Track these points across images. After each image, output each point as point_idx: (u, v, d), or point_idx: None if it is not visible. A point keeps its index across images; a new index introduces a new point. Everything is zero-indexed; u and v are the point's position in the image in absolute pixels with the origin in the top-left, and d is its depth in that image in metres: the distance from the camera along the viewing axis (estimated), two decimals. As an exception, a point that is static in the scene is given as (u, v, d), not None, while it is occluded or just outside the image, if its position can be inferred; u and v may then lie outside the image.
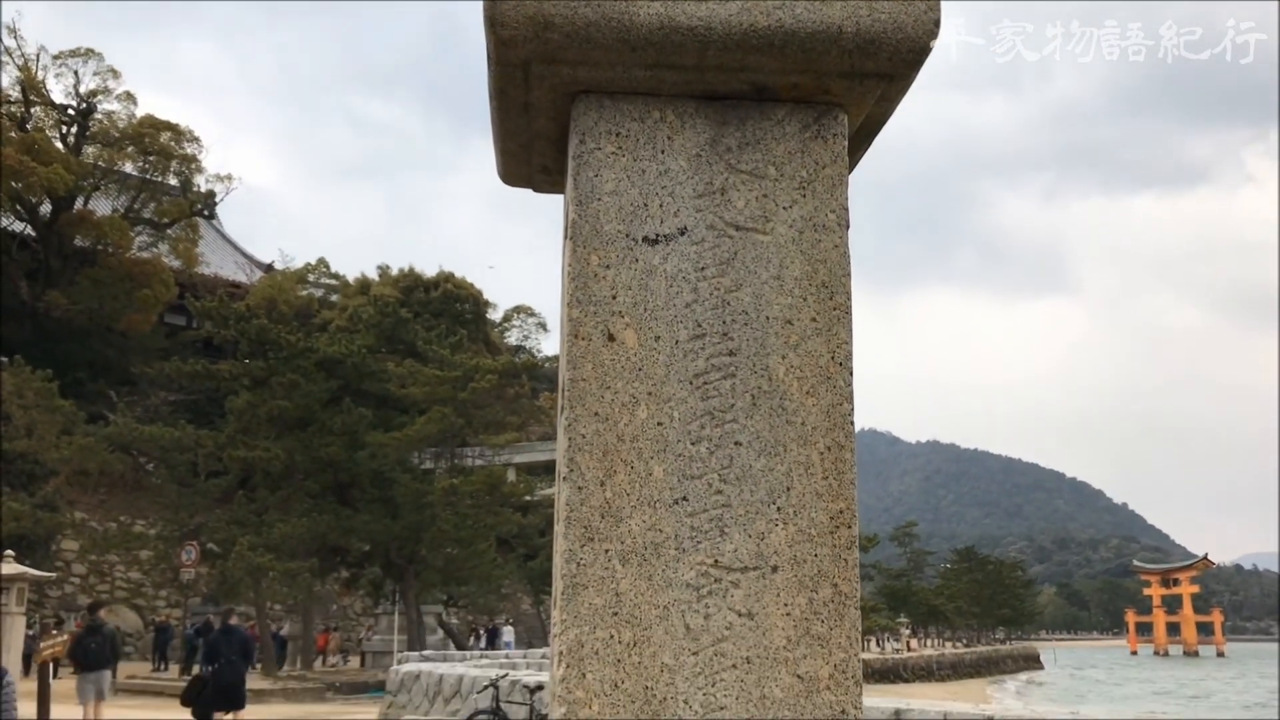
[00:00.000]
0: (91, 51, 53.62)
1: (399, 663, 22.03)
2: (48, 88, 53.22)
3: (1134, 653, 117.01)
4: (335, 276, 68.33)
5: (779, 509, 2.11)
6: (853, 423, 2.17)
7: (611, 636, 2.03)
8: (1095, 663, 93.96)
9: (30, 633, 26.63)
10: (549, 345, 73.31)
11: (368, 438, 35.65)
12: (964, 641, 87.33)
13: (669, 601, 2.06)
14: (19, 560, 20.49)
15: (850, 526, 2.13)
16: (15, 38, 51.74)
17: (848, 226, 2.25)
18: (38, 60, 52.46)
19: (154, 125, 54.30)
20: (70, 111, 54.29)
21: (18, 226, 50.34)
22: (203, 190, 59.28)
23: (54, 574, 35.71)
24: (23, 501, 36.02)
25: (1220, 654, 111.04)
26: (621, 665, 2.02)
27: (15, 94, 51.59)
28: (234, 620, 18.37)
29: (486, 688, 14.75)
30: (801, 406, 2.15)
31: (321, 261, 68.64)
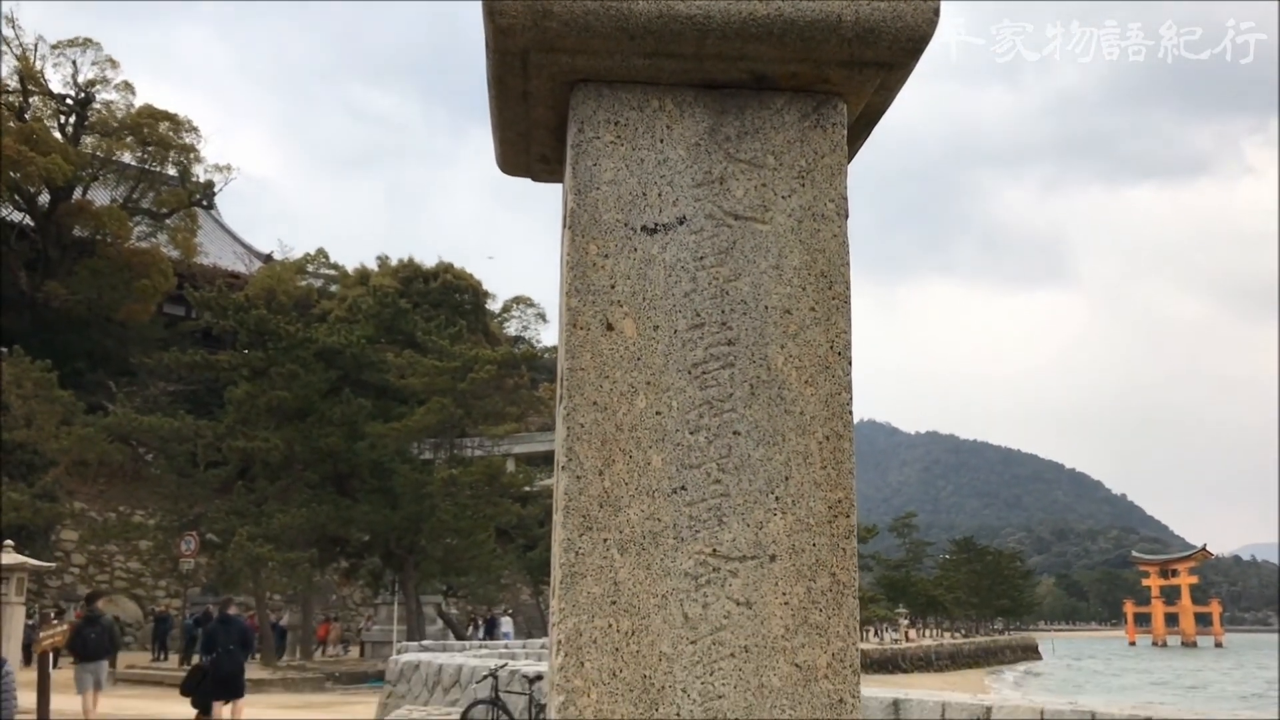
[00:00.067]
0: (89, 41, 53.59)
1: (398, 653, 22.05)
2: (46, 77, 53.17)
3: (1132, 643, 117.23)
4: (334, 267, 68.26)
5: (777, 498, 2.11)
6: (851, 412, 2.17)
7: (610, 625, 2.03)
8: (1093, 653, 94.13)
9: (30, 622, 26.69)
10: (548, 336, 73.36)
11: (367, 428, 35.67)
12: (962, 632, 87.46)
13: (667, 590, 2.06)
14: (18, 550, 20.56)
15: (848, 516, 2.13)
16: (13, 27, 51.72)
17: (846, 216, 2.25)
18: (36, 50, 52.43)
19: (152, 115, 54.25)
20: (68, 101, 54.25)
21: (16, 216, 50.35)
22: (201, 180, 59.30)
23: (53, 564, 35.81)
24: (22, 491, 36.05)
25: (1218, 645, 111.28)
26: (620, 654, 2.03)
27: (13, 84, 51.51)
28: (232, 610, 18.38)
29: (486, 678, 14.76)
30: (800, 396, 2.15)
31: (320, 252, 68.57)
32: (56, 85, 53.80)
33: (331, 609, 47.67)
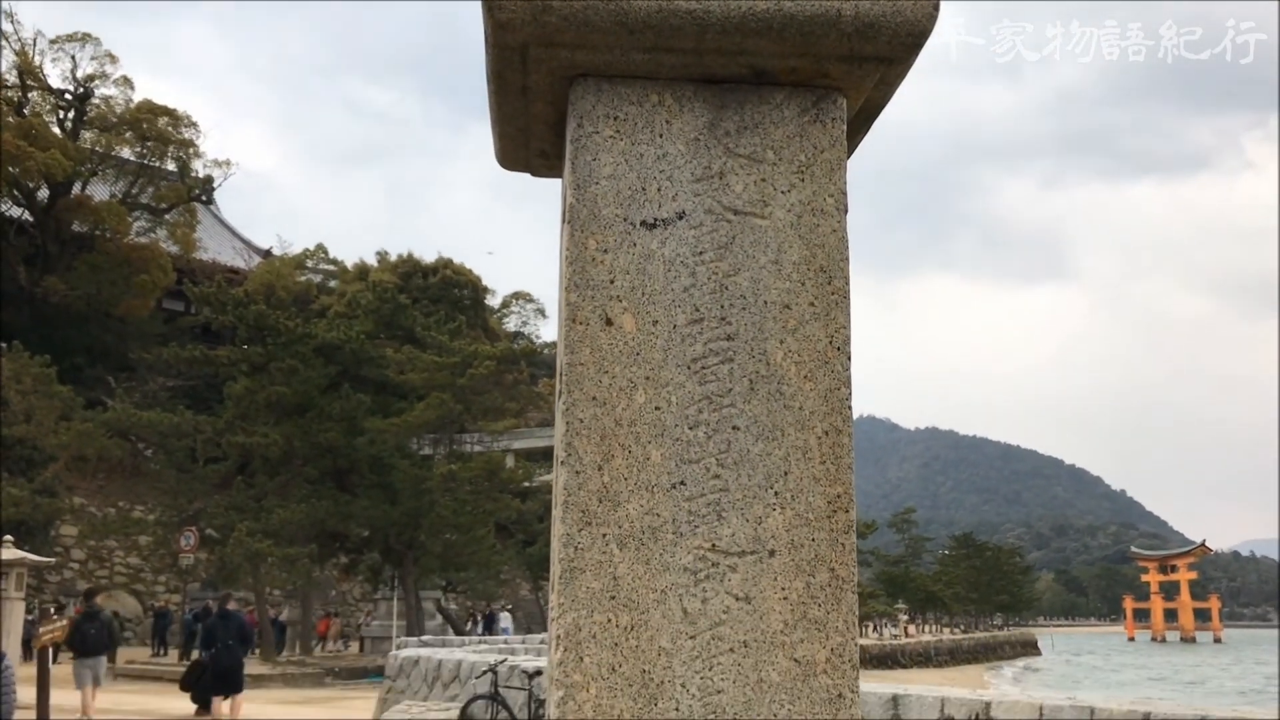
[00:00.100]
0: (88, 36, 53.49)
1: (398, 648, 22.05)
2: (45, 72, 53.06)
3: (1131, 639, 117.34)
4: (333, 262, 68.22)
5: (776, 493, 2.11)
6: (850, 407, 2.17)
7: (609, 620, 2.03)
8: (1092, 649, 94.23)
9: (30, 618, 26.67)
10: (547, 331, 73.34)
11: (366, 423, 35.66)
12: (962, 627, 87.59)
13: (666, 585, 2.06)
14: (18, 545, 20.55)
15: (847, 511, 2.13)
16: (12, 22, 51.61)
17: (846, 211, 2.25)
18: (35, 45, 52.31)
19: (151, 110, 54.17)
20: (67, 96, 54.12)
21: (15, 212, 50.26)
22: (200, 175, 59.17)
23: (53, 559, 35.83)
24: (22, 487, 36.05)
25: (1217, 640, 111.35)
26: (619, 649, 2.03)
27: (12, 79, 51.41)
28: (231, 605, 18.43)
29: (485, 673, 14.76)
30: (799, 391, 2.15)
31: (320, 247, 68.54)
32: (55, 80, 53.76)
33: (331, 604, 47.68)
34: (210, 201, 64.62)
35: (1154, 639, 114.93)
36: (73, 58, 53.23)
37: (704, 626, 2.05)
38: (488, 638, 31.00)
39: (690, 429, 2.11)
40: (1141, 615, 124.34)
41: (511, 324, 74.37)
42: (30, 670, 16.98)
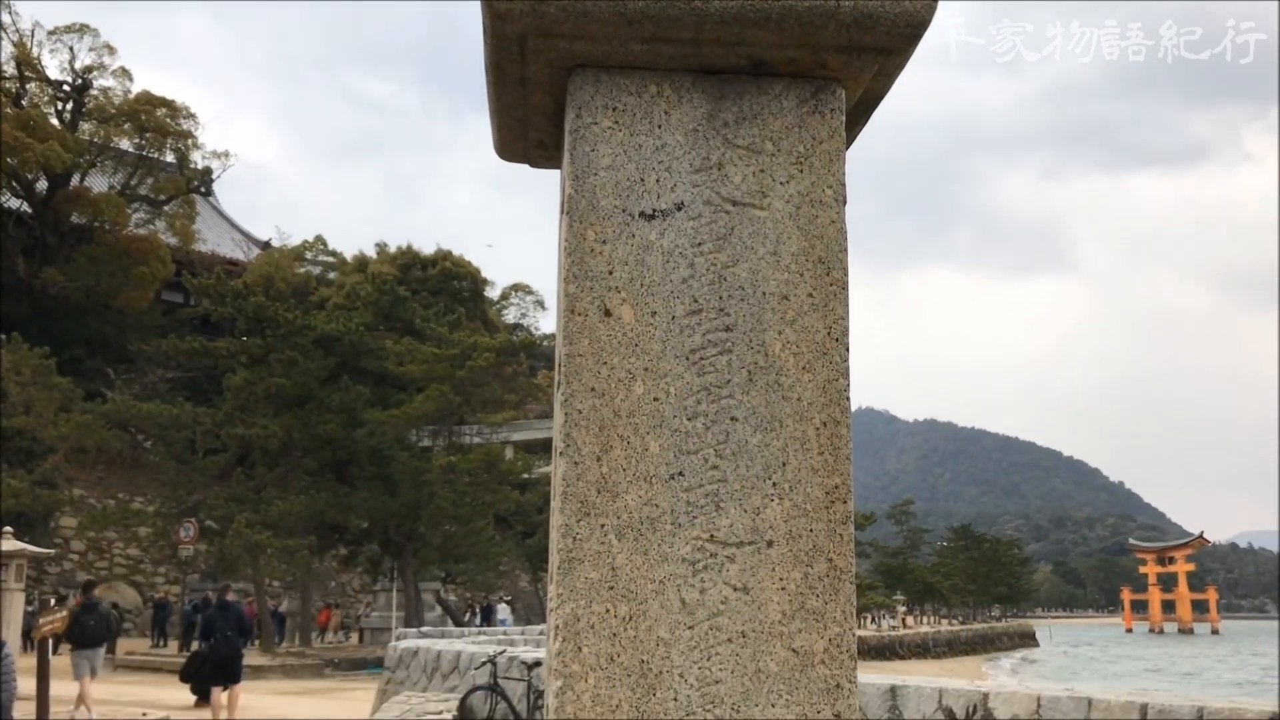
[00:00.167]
0: (87, 27, 53.35)
1: (397, 639, 22.09)
2: (43, 63, 52.98)
3: (1129, 630, 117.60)
4: (333, 254, 68.16)
5: (774, 484, 2.11)
6: (848, 398, 2.18)
7: (608, 611, 2.04)
8: (1090, 640, 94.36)
9: (30, 609, 26.73)
10: (547, 323, 73.26)
11: (366, 415, 35.67)
12: (960, 619, 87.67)
13: (665, 576, 2.06)
14: (18, 537, 20.56)
15: (845, 502, 2.14)
16: (10, 13, 51.56)
17: (844, 202, 2.25)
18: (33, 36, 52.20)
19: (150, 101, 54.06)
20: (66, 87, 54.04)
21: (14, 203, 50.23)
22: (199, 167, 59.11)
23: (53, 551, 35.84)
24: (21, 478, 36.05)
25: (1215, 631, 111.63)
26: (618, 639, 2.03)
27: (10, 70, 51.31)
28: (230, 596, 18.44)
29: (484, 664, 14.78)
30: (798, 382, 2.15)
31: (319, 239, 68.43)
32: (54, 71, 53.68)
33: (330, 596, 47.74)
34: (209, 193, 64.57)
35: (1151, 630, 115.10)
36: (71, 49, 53.20)
37: (702, 617, 2.06)
38: (486, 629, 31.03)
39: (689, 420, 2.12)
40: (1139, 607, 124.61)
41: (511, 316, 74.34)
42: (30, 661, 17.01)
